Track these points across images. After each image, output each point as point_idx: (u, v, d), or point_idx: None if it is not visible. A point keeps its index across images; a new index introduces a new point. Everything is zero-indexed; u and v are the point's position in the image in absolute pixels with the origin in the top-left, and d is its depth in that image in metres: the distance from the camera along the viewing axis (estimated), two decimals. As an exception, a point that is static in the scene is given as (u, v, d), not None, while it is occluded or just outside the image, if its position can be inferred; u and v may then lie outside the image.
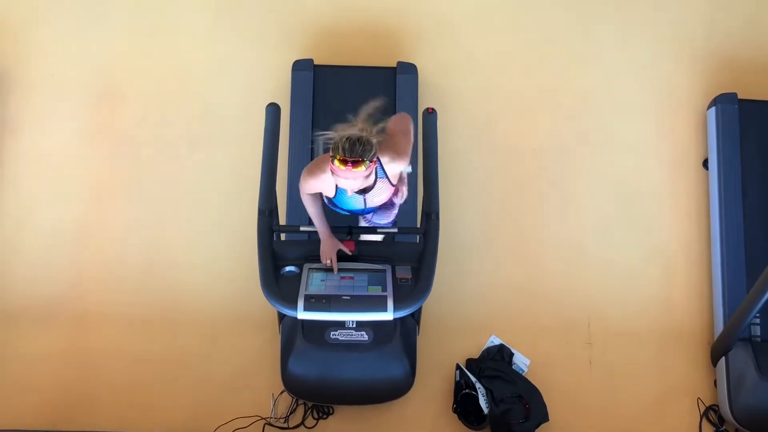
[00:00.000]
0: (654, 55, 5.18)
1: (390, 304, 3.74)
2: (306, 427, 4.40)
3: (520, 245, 4.78)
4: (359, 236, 3.97)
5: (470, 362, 4.50)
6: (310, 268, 3.88)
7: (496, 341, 4.57)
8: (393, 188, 3.76)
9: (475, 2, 5.26)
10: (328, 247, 3.86)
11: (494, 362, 4.47)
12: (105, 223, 4.73)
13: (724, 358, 4.40)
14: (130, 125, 4.91)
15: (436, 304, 4.52)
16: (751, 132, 4.78)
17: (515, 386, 4.39)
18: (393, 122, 3.77)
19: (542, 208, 4.85)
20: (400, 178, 3.83)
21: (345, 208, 3.88)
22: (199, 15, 5.15)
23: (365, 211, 3.93)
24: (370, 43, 5.10)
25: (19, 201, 4.76)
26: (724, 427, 4.46)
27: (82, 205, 4.75)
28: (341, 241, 3.89)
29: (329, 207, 3.97)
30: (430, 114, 4.28)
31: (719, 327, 4.50)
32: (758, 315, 4.43)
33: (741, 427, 4.34)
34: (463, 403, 4.39)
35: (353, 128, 3.46)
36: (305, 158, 4.61)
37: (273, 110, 4.14)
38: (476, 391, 4.31)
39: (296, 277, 3.85)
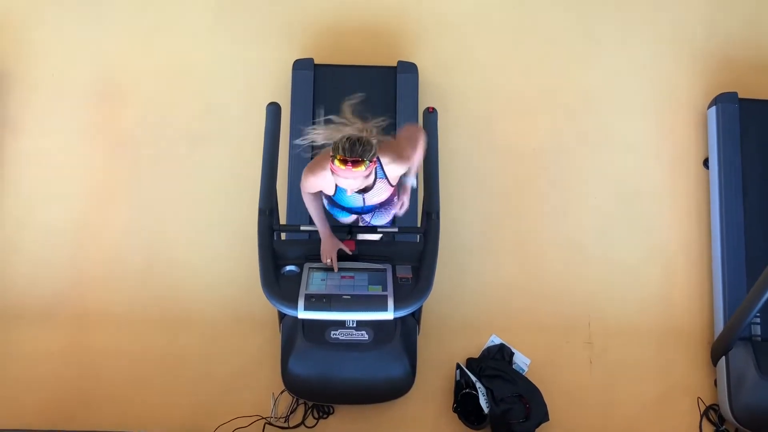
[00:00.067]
0: (654, 55, 5.18)
1: (390, 303, 3.74)
2: (306, 426, 4.40)
3: (520, 245, 4.78)
4: (356, 236, 3.96)
5: (470, 362, 4.50)
6: (310, 268, 3.88)
7: (497, 341, 4.57)
8: (392, 189, 3.78)
9: (476, 2, 5.26)
10: (329, 246, 3.86)
11: (494, 362, 4.47)
12: (105, 223, 4.73)
13: (724, 357, 4.40)
14: (131, 125, 4.91)
15: (436, 303, 4.52)
16: (751, 131, 4.78)
17: (515, 386, 4.39)
18: (404, 129, 3.85)
19: (542, 207, 4.86)
20: (404, 190, 3.85)
21: (344, 206, 3.89)
22: (199, 14, 5.15)
23: (364, 210, 3.94)
24: (370, 42, 5.11)
25: (20, 200, 4.76)
26: (724, 427, 4.46)
27: (82, 205, 4.75)
28: (341, 240, 3.89)
29: (329, 209, 3.98)
30: (431, 113, 4.28)
31: (719, 326, 4.50)
32: (758, 314, 4.43)
33: (741, 427, 4.34)
34: (464, 403, 4.39)
35: (346, 128, 3.50)
36: (305, 158, 4.60)
37: (273, 110, 4.14)
38: (476, 391, 4.31)
39: (296, 277, 3.85)
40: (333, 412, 4.43)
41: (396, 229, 4.05)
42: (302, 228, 4.03)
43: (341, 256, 3.89)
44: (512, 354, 4.54)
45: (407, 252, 3.98)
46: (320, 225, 3.87)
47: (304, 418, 4.41)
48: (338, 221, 4.06)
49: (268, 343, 4.48)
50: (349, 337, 4.11)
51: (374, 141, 3.47)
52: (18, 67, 5.00)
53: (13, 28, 5.07)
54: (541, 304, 4.67)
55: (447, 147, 4.79)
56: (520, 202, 4.86)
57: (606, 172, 4.94)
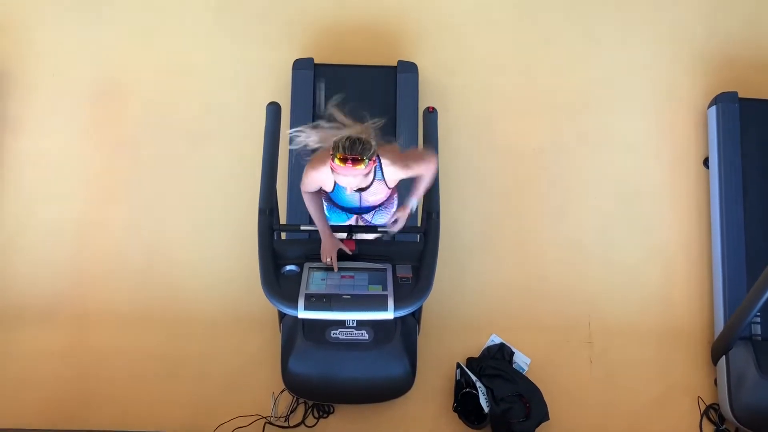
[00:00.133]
0: (654, 55, 5.18)
1: (390, 303, 3.75)
2: (306, 426, 4.40)
3: (520, 244, 4.78)
4: (353, 236, 3.96)
5: (471, 361, 4.50)
6: (310, 267, 3.88)
7: (497, 340, 4.57)
8: (389, 191, 3.80)
9: (476, 1, 5.27)
10: (329, 246, 3.87)
11: (495, 361, 4.47)
12: (105, 222, 4.73)
13: (724, 356, 4.40)
14: (131, 125, 4.91)
15: (436, 303, 4.52)
16: (751, 131, 4.78)
17: (516, 385, 4.39)
18: (420, 149, 3.91)
19: (543, 207, 4.86)
20: (402, 208, 3.86)
21: (341, 204, 3.90)
22: (199, 14, 5.15)
23: (361, 209, 3.95)
24: (370, 41, 5.11)
25: (20, 200, 4.76)
26: (724, 426, 4.46)
27: (82, 205, 4.76)
28: (341, 240, 3.90)
29: (328, 208, 3.99)
30: (431, 113, 4.28)
31: (719, 326, 4.50)
32: (759, 314, 4.43)
33: (741, 426, 4.34)
34: (464, 402, 4.39)
35: (344, 130, 3.53)
36: (305, 162, 4.61)
37: (273, 109, 4.15)
38: (477, 390, 4.31)
39: (297, 276, 3.85)
40: (333, 412, 4.43)
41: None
42: (302, 228, 4.03)
43: (341, 256, 3.89)
44: (512, 353, 4.54)
45: (407, 252, 3.98)
46: (320, 225, 3.87)
47: (304, 417, 4.41)
48: (339, 213, 4.06)
49: (268, 343, 4.48)
50: (349, 337, 4.11)
51: (373, 142, 3.51)
52: (18, 67, 5.00)
53: (13, 28, 5.08)
54: (542, 304, 4.67)
55: (447, 147, 4.80)
56: (520, 201, 4.86)
57: (606, 171, 4.95)
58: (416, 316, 4.30)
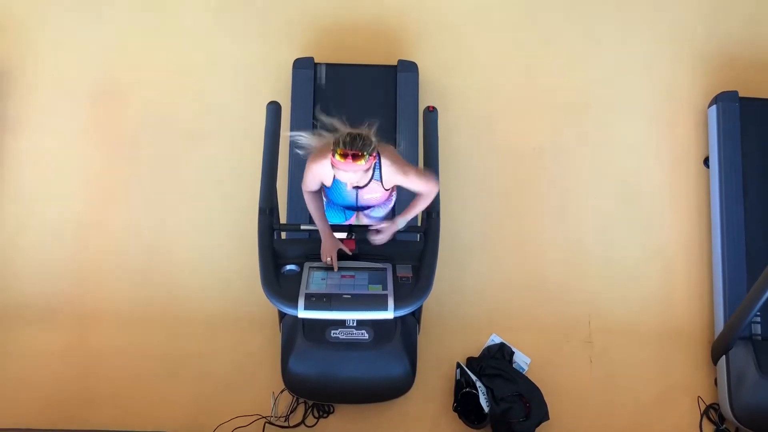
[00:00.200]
0: (654, 54, 5.18)
1: (390, 302, 3.75)
2: (306, 425, 4.40)
3: (520, 244, 4.78)
4: (353, 235, 3.97)
5: (471, 361, 4.50)
6: (310, 267, 3.89)
7: (497, 340, 4.57)
8: (386, 192, 3.81)
9: (476, 1, 5.27)
10: (329, 245, 3.87)
11: (495, 361, 4.47)
12: (105, 222, 4.73)
13: (724, 356, 4.40)
14: (131, 124, 4.91)
15: (436, 302, 4.52)
16: (751, 130, 4.78)
17: (516, 385, 4.39)
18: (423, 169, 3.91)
19: (543, 206, 4.86)
20: (392, 222, 3.87)
21: (337, 201, 3.90)
22: (199, 14, 5.15)
23: (358, 207, 3.95)
24: (370, 41, 5.11)
25: (20, 200, 4.76)
26: (724, 426, 4.46)
27: (82, 204, 4.76)
28: (342, 240, 3.90)
29: (326, 207, 3.99)
30: (431, 112, 4.29)
31: (720, 325, 4.50)
32: (759, 313, 4.43)
33: (741, 426, 4.34)
34: (464, 402, 4.39)
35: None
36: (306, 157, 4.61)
37: (274, 109, 4.15)
38: (477, 390, 4.31)
39: (297, 276, 3.85)
40: (333, 412, 4.43)
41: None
42: (302, 227, 4.04)
43: (341, 256, 3.89)
44: (512, 353, 4.53)
45: (407, 251, 3.98)
46: (320, 224, 3.88)
47: (305, 417, 4.41)
48: (336, 209, 4.07)
49: (268, 343, 4.48)
50: (349, 337, 4.11)
51: (374, 139, 3.53)
52: (18, 67, 5.00)
53: (13, 28, 5.08)
54: (542, 304, 4.67)
55: (447, 146, 4.79)
56: (520, 201, 4.86)
57: (606, 171, 4.94)
58: (416, 315, 4.30)
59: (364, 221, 4.12)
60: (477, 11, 5.24)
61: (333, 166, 3.51)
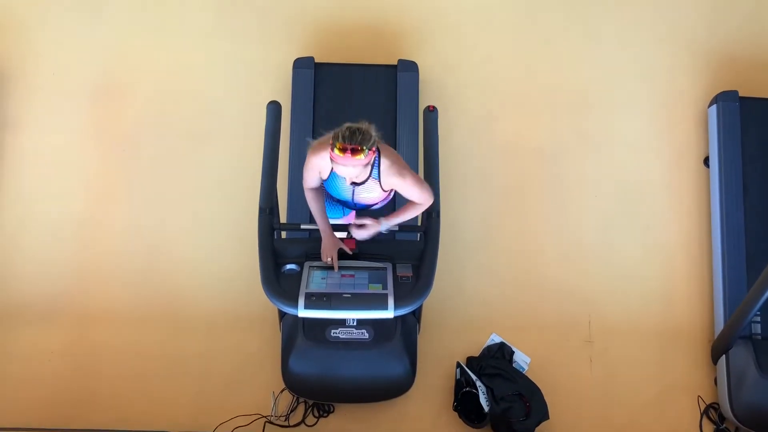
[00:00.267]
0: (654, 54, 5.18)
1: (390, 302, 3.75)
2: (306, 425, 4.40)
3: (520, 243, 4.78)
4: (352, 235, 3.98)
5: (471, 360, 4.50)
6: (310, 266, 3.89)
7: (497, 339, 4.57)
8: (383, 194, 3.81)
9: (477, 1, 5.26)
10: (329, 245, 3.87)
11: (495, 360, 4.47)
12: (106, 222, 4.73)
13: (724, 356, 4.40)
14: (131, 124, 4.91)
15: (436, 302, 4.52)
16: (752, 130, 4.78)
17: (516, 384, 4.39)
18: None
19: (543, 206, 4.86)
20: (378, 221, 3.84)
21: (334, 195, 3.89)
22: (199, 13, 5.15)
23: (356, 205, 3.94)
24: (371, 40, 5.11)
25: (21, 199, 4.76)
26: (724, 425, 4.46)
27: (82, 204, 4.76)
28: (342, 239, 3.90)
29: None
30: (431, 112, 4.28)
31: (720, 325, 4.50)
32: (759, 313, 4.43)
33: (741, 425, 4.34)
34: (464, 401, 4.39)
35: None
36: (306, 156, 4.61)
37: (274, 108, 4.15)
38: (477, 390, 4.31)
39: (297, 275, 3.85)
40: (333, 411, 4.43)
41: (396, 228, 4.05)
42: (302, 227, 4.04)
43: (341, 255, 3.89)
44: (512, 352, 4.54)
45: (407, 250, 3.99)
46: (321, 223, 3.88)
47: (305, 416, 4.41)
48: (332, 205, 4.07)
49: (268, 342, 4.48)
50: (349, 336, 4.10)
51: (374, 133, 3.52)
52: (18, 66, 5.00)
53: (13, 28, 5.08)
54: (542, 303, 4.67)
55: (447, 145, 4.79)
56: (520, 200, 4.86)
57: (606, 170, 4.94)
58: (416, 315, 4.30)
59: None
60: (477, 11, 5.24)
61: (332, 160, 3.49)
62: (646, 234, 4.83)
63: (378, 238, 4.02)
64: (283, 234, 4.28)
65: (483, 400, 4.29)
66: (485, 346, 4.56)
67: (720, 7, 5.28)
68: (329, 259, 3.86)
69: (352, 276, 3.85)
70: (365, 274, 3.86)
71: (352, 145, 3.44)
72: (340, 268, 3.87)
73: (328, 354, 4.13)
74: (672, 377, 4.57)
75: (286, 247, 3.97)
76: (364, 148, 3.45)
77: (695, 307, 4.70)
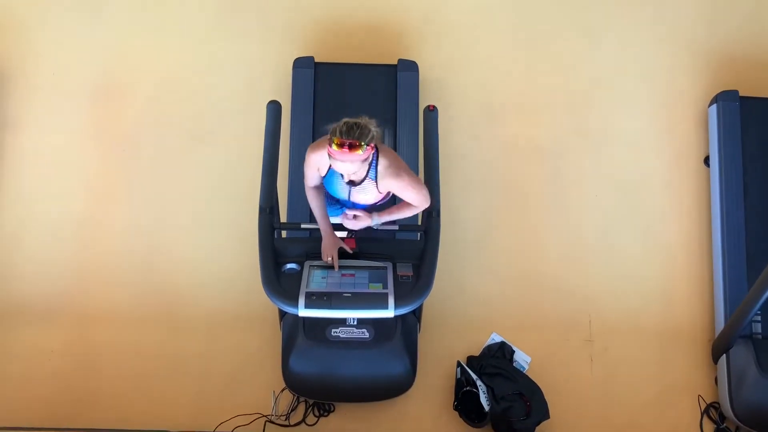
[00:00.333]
0: (655, 53, 5.18)
1: (391, 301, 3.75)
2: (307, 424, 4.40)
3: (521, 243, 4.78)
4: (353, 234, 3.97)
5: (471, 360, 4.50)
6: (311, 266, 3.89)
7: (497, 339, 4.57)
8: (380, 195, 3.80)
9: (476, 0, 5.26)
10: (330, 244, 3.87)
11: (495, 360, 4.47)
12: (106, 220, 4.73)
13: (724, 355, 4.40)
14: (131, 123, 4.91)
15: (437, 301, 4.52)
16: (752, 129, 4.78)
17: (516, 384, 4.39)
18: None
19: (543, 205, 4.86)
20: (370, 215, 3.83)
21: (330, 191, 3.89)
22: (199, 13, 5.15)
23: (352, 205, 3.94)
24: (371, 40, 5.11)
25: (21, 199, 4.76)
26: (724, 425, 4.46)
27: (82, 203, 4.76)
28: (342, 239, 3.89)
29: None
30: (431, 111, 4.28)
31: (720, 324, 4.50)
32: (759, 312, 4.43)
33: (742, 425, 4.34)
34: (464, 401, 4.39)
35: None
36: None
37: (274, 108, 4.14)
38: (477, 389, 4.31)
39: (297, 275, 3.85)
40: (334, 410, 4.43)
41: (396, 227, 4.05)
42: (303, 226, 4.04)
43: (342, 255, 3.89)
44: (513, 352, 4.54)
45: (408, 250, 3.98)
46: (321, 222, 3.87)
47: (305, 416, 4.41)
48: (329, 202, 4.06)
49: (268, 341, 4.48)
50: (349, 335, 4.10)
51: (373, 128, 3.49)
52: (18, 66, 5.00)
53: (13, 28, 5.08)
54: (542, 302, 4.67)
55: (447, 145, 4.79)
56: (521, 199, 4.86)
57: (607, 170, 4.94)
58: (417, 314, 4.30)
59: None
60: (477, 10, 5.24)
61: (330, 156, 3.47)
62: (646, 233, 4.83)
63: (378, 237, 4.03)
64: (284, 233, 4.28)
65: (483, 400, 4.29)
66: (486, 345, 4.56)
67: (720, 7, 5.28)
68: (329, 259, 3.86)
69: (353, 275, 3.85)
70: (365, 274, 3.86)
71: (350, 139, 3.41)
72: (340, 267, 3.86)
73: (329, 353, 4.13)
74: (672, 376, 4.57)
75: (286, 246, 3.97)
76: (362, 143, 3.43)
77: (695, 307, 4.70)
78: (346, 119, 3.47)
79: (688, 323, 4.68)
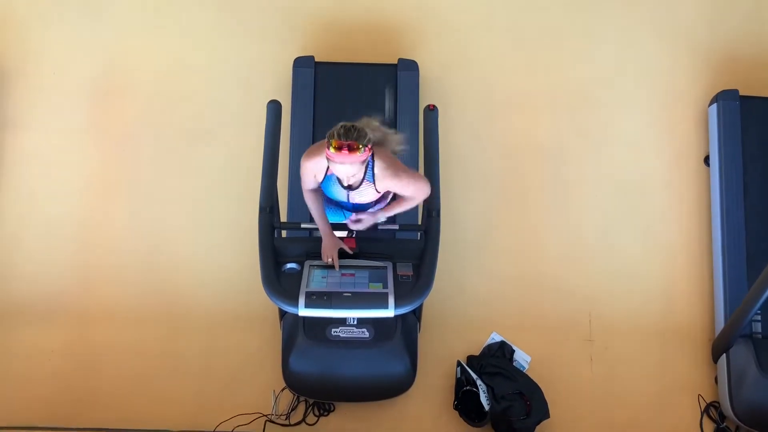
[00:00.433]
0: (655, 52, 5.18)
1: (391, 301, 3.75)
2: (307, 424, 4.40)
3: (521, 242, 4.78)
4: (353, 234, 3.97)
5: (471, 359, 4.50)
6: (311, 265, 3.89)
7: (497, 338, 4.57)
8: (378, 196, 3.80)
9: (477, 0, 5.26)
10: (329, 245, 3.87)
11: (495, 359, 4.47)
12: (106, 220, 4.73)
13: (724, 354, 4.40)
14: (132, 122, 4.91)
15: (437, 301, 4.52)
16: (752, 129, 4.78)
17: (516, 383, 4.39)
18: (417, 171, 3.88)
19: (543, 205, 4.85)
20: (374, 213, 3.84)
21: (329, 196, 3.89)
22: (199, 13, 5.15)
23: (353, 208, 3.94)
24: (371, 40, 5.11)
25: (21, 198, 4.76)
26: (724, 424, 4.46)
27: (83, 203, 4.76)
28: (342, 239, 3.89)
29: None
30: (431, 111, 4.28)
31: (720, 324, 4.50)
32: (759, 312, 4.43)
33: (742, 424, 4.34)
34: (464, 400, 4.39)
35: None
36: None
37: (274, 107, 4.15)
38: (477, 388, 4.31)
39: (297, 274, 3.85)
40: (334, 410, 4.43)
41: (396, 227, 4.05)
42: (303, 225, 4.04)
43: (342, 255, 3.89)
44: (513, 351, 4.54)
45: (408, 250, 3.98)
46: (321, 224, 3.87)
47: (305, 415, 4.41)
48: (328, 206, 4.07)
49: (268, 341, 4.48)
50: (349, 335, 4.10)
51: (369, 132, 3.51)
52: (19, 66, 5.00)
53: (13, 26, 5.08)
54: (542, 302, 4.67)
55: (448, 144, 4.79)
56: (521, 199, 4.86)
57: (607, 170, 4.94)
58: (417, 314, 4.30)
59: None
60: (478, 9, 5.24)
61: (328, 159, 3.48)
62: (646, 233, 4.83)
63: (378, 237, 4.03)
64: (284, 233, 4.28)
65: (483, 399, 4.29)
66: (486, 344, 4.56)
67: (720, 6, 5.28)
68: (330, 260, 3.86)
69: (353, 275, 3.85)
70: (365, 273, 3.86)
71: (348, 142, 3.42)
72: (340, 267, 3.86)
73: (329, 353, 4.13)
74: (672, 376, 4.57)
75: (286, 246, 3.97)
76: (360, 145, 3.44)
77: (695, 306, 4.70)
78: (342, 123, 3.48)
79: (688, 323, 4.68)
